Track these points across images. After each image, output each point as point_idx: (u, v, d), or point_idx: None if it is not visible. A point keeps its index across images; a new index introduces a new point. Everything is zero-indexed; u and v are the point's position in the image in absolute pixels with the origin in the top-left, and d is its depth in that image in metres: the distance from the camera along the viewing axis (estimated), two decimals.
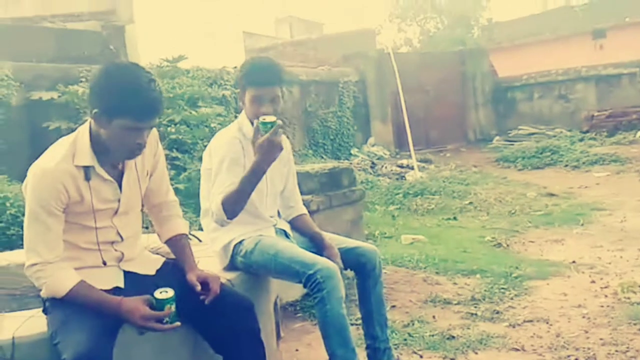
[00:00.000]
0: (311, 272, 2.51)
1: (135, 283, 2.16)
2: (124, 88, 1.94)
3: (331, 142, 12.31)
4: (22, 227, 2.08)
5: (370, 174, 10.41)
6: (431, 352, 3.29)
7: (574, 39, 14.53)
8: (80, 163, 2.03)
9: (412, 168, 10.86)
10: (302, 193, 3.17)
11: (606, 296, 4.07)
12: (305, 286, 2.56)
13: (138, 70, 2.01)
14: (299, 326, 3.74)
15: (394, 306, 4.02)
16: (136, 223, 2.28)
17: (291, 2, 24.54)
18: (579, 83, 13.91)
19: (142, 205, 2.30)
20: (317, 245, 2.82)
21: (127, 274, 2.20)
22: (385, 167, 11.05)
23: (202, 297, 2.13)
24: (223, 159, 2.65)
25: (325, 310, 2.50)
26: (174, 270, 2.25)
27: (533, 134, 13.50)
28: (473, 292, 4.28)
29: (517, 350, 3.27)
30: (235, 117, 3.05)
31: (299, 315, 3.89)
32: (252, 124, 2.66)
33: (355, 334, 2.84)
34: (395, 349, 3.18)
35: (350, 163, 10.56)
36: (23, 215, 2.09)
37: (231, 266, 2.73)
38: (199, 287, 2.14)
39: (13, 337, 1.96)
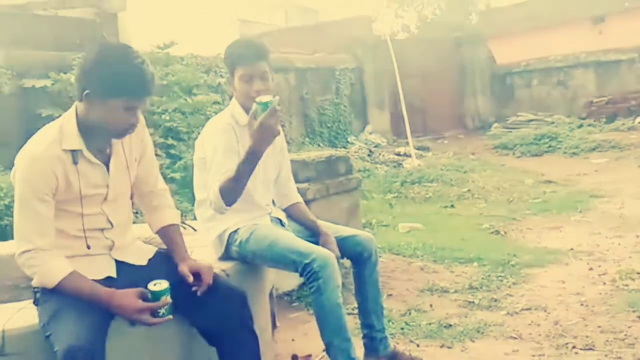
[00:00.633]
0: (307, 261, 2.48)
1: (127, 273, 2.13)
2: (119, 68, 1.93)
3: (328, 130, 12.26)
4: None
5: (368, 162, 10.38)
6: (428, 341, 3.26)
7: (573, 25, 14.44)
8: (68, 147, 2.00)
9: (410, 156, 10.83)
10: (298, 181, 3.14)
11: (604, 283, 4.05)
12: (301, 275, 2.53)
13: (130, 51, 2.00)
14: (294, 316, 3.71)
15: (390, 295, 4.00)
16: (126, 210, 2.24)
17: None
18: (578, 69, 13.87)
19: (132, 195, 2.26)
20: (313, 234, 2.79)
21: (119, 264, 2.17)
22: (383, 155, 11.02)
23: (194, 288, 2.10)
24: (217, 146, 2.60)
25: (322, 300, 2.47)
26: (166, 261, 2.22)
27: (531, 120, 13.47)
28: (470, 281, 4.26)
29: (515, 338, 3.25)
30: None
31: (294, 304, 3.87)
32: (244, 109, 2.62)
33: (352, 323, 2.82)
34: (392, 338, 3.16)
35: (348, 151, 10.52)
36: None
37: (226, 256, 2.70)
38: (190, 278, 2.11)
39: (3, 330, 1.93)
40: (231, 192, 2.48)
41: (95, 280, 2.01)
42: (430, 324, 3.48)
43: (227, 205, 2.51)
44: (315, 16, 21.66)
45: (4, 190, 4.74)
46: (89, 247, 2.10)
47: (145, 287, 1.97)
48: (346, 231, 2.89)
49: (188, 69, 8.04)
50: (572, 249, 5.02)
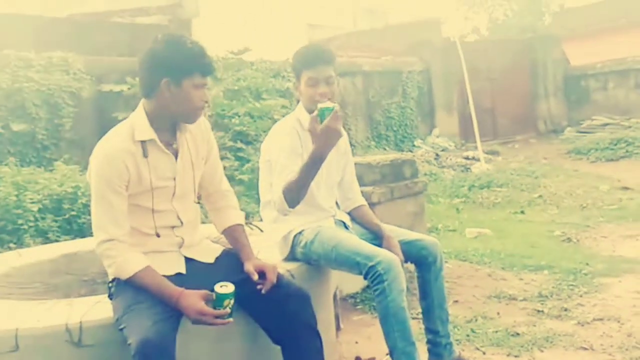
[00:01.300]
0: (372, 263, 2.48)
1: (196, 270, 2.20)
2: (187, 49, 2.08)
3: (394, 134, 12.20)
4: None
5: (434, 165, 10.26)
6: (495, 349, 3.20)
7: None
8: (140, 137, 2.11)
9: (478, 160, 10.63)
10: (363, 184, 3.14)
11: None
12: (365, 278, 2.54)
13: (183, 35, 2.19)
14: (358, 318, 3.72)
15: (456, 301, 3.95)
16: (195, 208, 2.32)
17: None
18: None
19: (199, 197, 2.34)
20: (377, 237, 2.79)
21: (188, 261, 2.24)
22: (450, 159, 10.87)
23: (258, 286, 2.14)
24: (281, 149, 2.65)
25: (386, 303, 2.46)
26: (233, 259, 2.28)
27: (607, 124, 12.96)
28: (540, 289, 4.15)
29: (586, 349, 3.14)
30: None
31: (358, 307, 3.87)
32: (309, 113, 2.66)
33: (416, 327, 2.79)
34: (458, 344, 3.11)
35: (414, 154, 10.44)
36: None
37: (291, 257, 2.73)
38: (255, 277, 2.15)
39: (80, 322, 2.03)
40: (294, 194, 2.52)
41: (165, 276, 2.08)
42: (497, 331, 3.40)
43: (290, 207, 2.55)
44: (384, 19, 21.58)
45: (81, 190, 4.97)
46: (158, 235, 2.18)
47: (212, 286, 2.02)
48: (410, 235, 2.87)
49: (258, 74, 8.20)
50: None
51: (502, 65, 13.78)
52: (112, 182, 2.05)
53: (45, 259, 3.13)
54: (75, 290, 2.64)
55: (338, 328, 3.38)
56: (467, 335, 3.36)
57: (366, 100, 11.81)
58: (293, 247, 2.72)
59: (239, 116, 6.97)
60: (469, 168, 10.18)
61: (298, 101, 2.84)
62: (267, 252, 2.69)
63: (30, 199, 4.73)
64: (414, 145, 12.11)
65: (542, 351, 3.14)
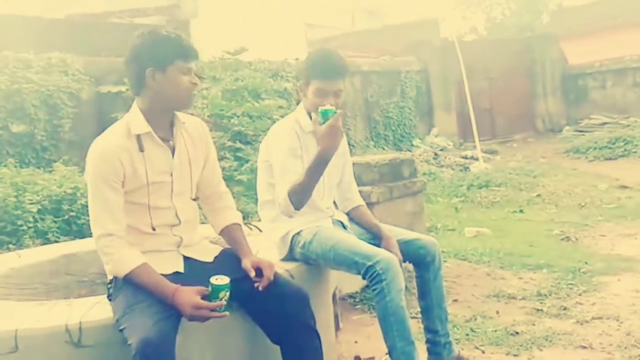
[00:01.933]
0: (371, 263, 2.49)
1: (194, 269, 2.21)
2: (163, 37, 2.14)
3: (393, 133, 12.21)
4: None
5: (433, 165, 10.28)
6: (494, 348, 3.20)
7: None
8: (136, 131, 2.13)
9: (477, 159, 10.65)
10: (362, 184, 3.14)
11: None
12: (364, 277, 2.54)
13: (160, 27, 2.26)
14: (357, 318, 3.72)
15: (455, 300, 3.95)
16: (194, 208, 2.33)
17: None
18: None
19: (196, 197, 2.34)
20: (375, 237, 2.80)
21: (186, 260, 2.25)
22: (449, 159, 10.88)
23: (255, 283, 2.15)
24: (281, 149, 2.65)
25: (385, 302, 2.47)
26: (231, 258, 2.28)
27: (605, 123, 12.98)
28: (539, 287, 4.15)
29: (585, 347, 3.14)
30: None
31: (357, 307, 3.88)
32: (310, 116, 2.66)
33: (416, 327, 2.80)
34: (457, 343, 3.11)
35: (412, 154, 10.44)
36: None
37: (290, 257, 2.74)
38: (253, 273, 2.16)
39: (80, 323, 2.03)
40: (300, 196, 2.52)
41: (164, 275, 2.08)
42: (496, 330, 3.41)
43: (295, 209, 2.55)
44: (382, 19, 21.58)
45: (80, 191, 4.97)
46: (154, 229, 2.19)
47: (208, 281, 2.03)
48: (409, 235, 2.87)
49: (256, 74, 8.20)
50: None
51: (500, 65, 13.79)
52: (108, 179, 2.07)
53: (45, 259, 3.13)
54: (75, 291, 2.65)
55: (337, 328, 3.38)
56: (466, 335, 3.37)
57: (365, 100, 11.82)
58: (291, 247, 2.72)
59: (238, 116, 6.96)
60: (467, 167, 10.19)
61: (298, 102, 2.83)
62: (266, 252, 2.69)
63: (30, 200, 4.73)
64: (412, 145, 12.11)
65: (541, 350, 3.15)
